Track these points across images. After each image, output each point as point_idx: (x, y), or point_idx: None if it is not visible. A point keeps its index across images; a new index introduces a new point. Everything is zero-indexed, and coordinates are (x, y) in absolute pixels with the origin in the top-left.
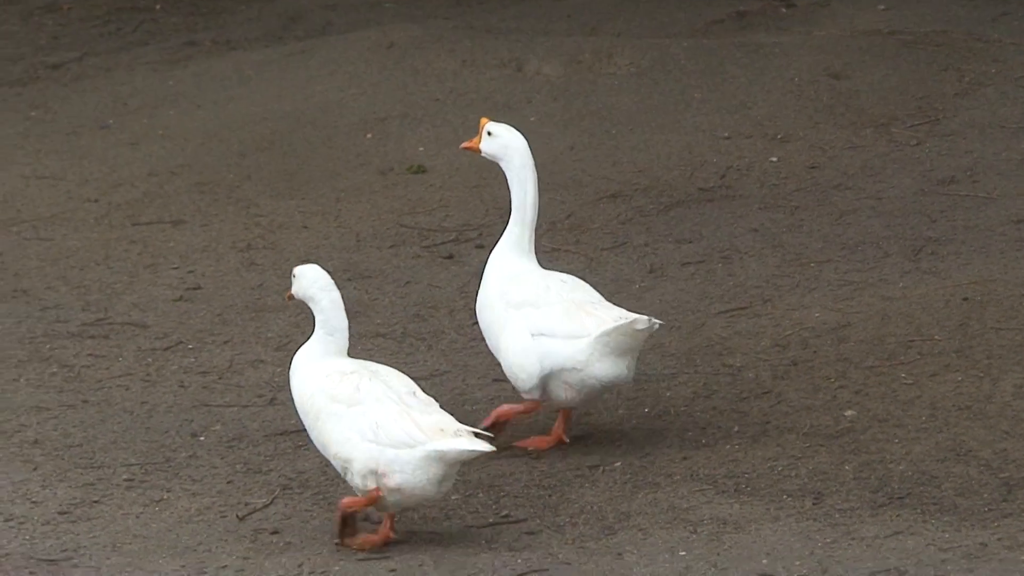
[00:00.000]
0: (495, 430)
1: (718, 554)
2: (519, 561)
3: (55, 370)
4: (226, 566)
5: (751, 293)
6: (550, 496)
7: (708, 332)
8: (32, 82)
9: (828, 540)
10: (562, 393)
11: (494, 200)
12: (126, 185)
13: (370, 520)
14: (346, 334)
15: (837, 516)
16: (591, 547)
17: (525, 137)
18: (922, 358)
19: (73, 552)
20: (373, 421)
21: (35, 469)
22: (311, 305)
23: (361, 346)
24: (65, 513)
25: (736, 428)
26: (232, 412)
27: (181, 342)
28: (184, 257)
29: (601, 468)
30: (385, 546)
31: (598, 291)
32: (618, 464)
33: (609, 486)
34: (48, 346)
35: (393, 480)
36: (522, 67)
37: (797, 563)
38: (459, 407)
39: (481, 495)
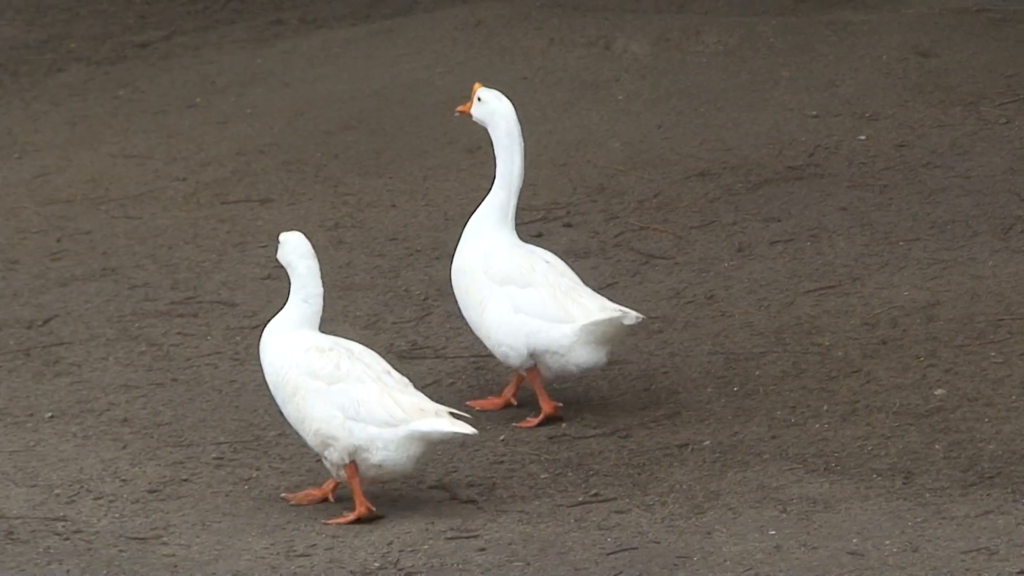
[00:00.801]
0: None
1: (808, 533)
2: (608, 540)
3: (144, 349)
4: (315, 544)
5: (840, 272)
6: (639, 475)
7: (797, 311)
8: (120, 61)
9: (918, 519)
10: (542, 370)
11: (582, 179)
12: (214, 164)
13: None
14: (320, 302)
15: (927, 495)
16: (680, 526)
17: (513, 104)
18: (1012, 337)
19: (162, 530)
20: (355, 399)
21: (124, 447)
22: (290, 271)
23: (449, 324)
24: (154, 491)
25: (825, 407)
26: None
27: (269, 320)
28: (272, 236)
29: (690, 447)
30: (323, 502)
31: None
32: (707, 443)
33: (698, 465)
34: (137, 325)
35: (375, 457)
36: (610, 45)
37: (887, 542)
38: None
39: (570, 474)
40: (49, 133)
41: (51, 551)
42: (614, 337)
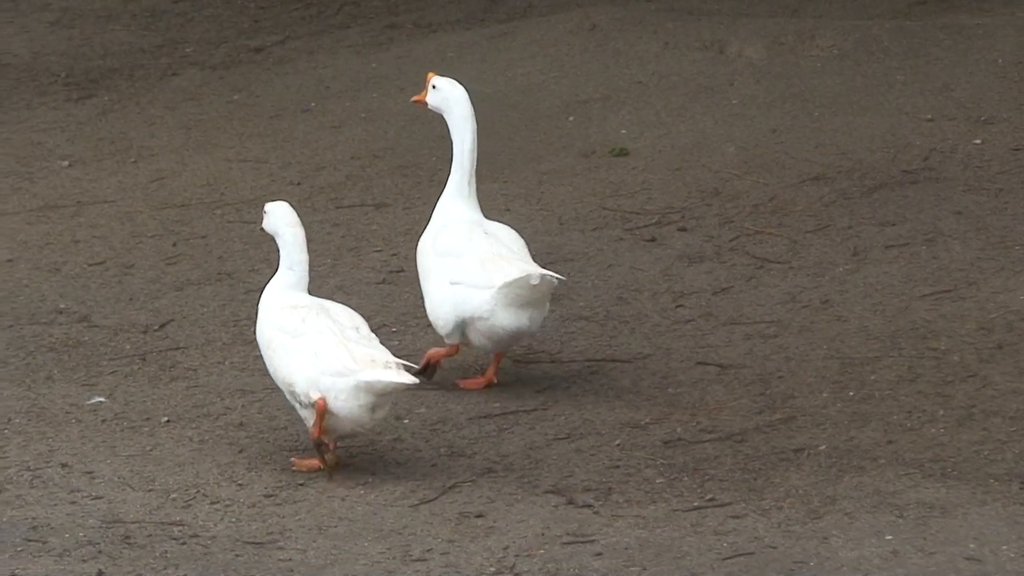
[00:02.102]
0: (428, 371)
1: (925, 538)
2: (724, 545)
3: (259, 353)
4: (431, 549)
5: (955, 276)
6: (755, 479)
7: (912, 315)
8: (235, 65)
9: None
10: (475, 339)
11: (696, 183)
12: (329, 168)
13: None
14: (305, 268)
15: None
16: (797, 531)
17: (467, 90)
18: None
19: (279, 535)
20: (312, 350)
21: (240, 452)
22: (277, 239)
23: (564, 329)
24: (271, 496)
25: (941, 412)
26: (435, 395)
27: (384, 325)
28: (387, 240)
29: (806, 452)
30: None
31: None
32: (823, 448)
33: (814, 470)
34: (252, 329)
35: (328, 405)
36: (724, 49)
37: (1004, 548)
38: (663, 390)
39: (686, 479)
40: (164, 138)
41: (167, 555)
42: (532, 299)
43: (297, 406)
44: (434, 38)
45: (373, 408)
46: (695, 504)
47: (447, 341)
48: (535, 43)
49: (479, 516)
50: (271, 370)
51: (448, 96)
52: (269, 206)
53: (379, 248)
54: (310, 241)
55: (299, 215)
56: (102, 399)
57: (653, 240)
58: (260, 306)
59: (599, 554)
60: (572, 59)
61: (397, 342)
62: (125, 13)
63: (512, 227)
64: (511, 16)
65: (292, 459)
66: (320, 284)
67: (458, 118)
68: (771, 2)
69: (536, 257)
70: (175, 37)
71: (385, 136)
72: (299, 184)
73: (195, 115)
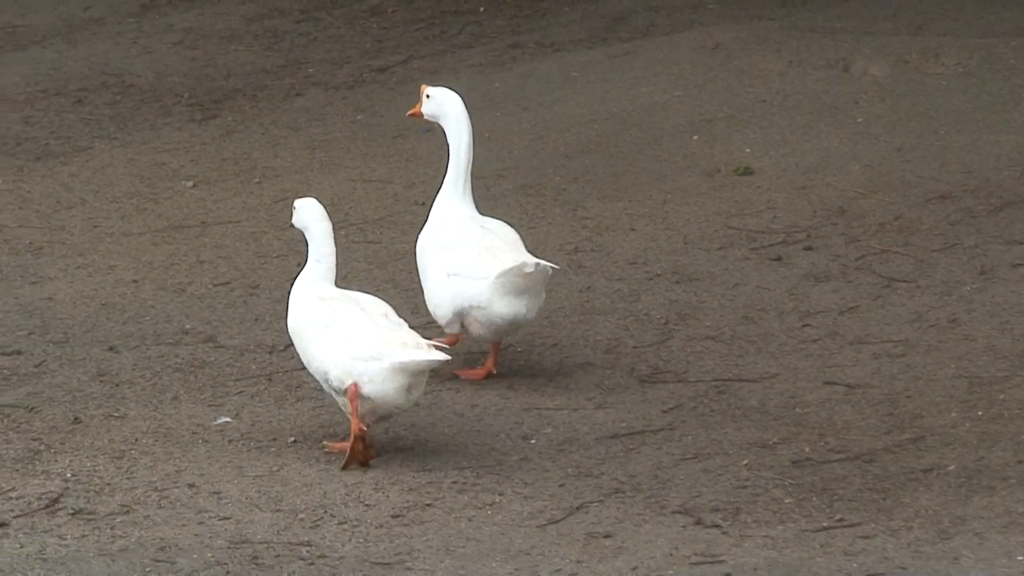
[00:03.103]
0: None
1: None
2: (854, 565)
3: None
4: (559, 570)
5: None
6: (884, 500)
7: None
8: (358, 85)
9: None
10: (474, 328)
11: (821, 202)
12: None
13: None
14: (332, 260)
15: None
16: (927, 551)
17: (463, 99)
18: None
19: (406, 555)
20: (345, 338)
21: (367, 472)
22: (306, 234)
23: (690, 348)
24: (398, 516)
25: None
26: (562, 415)
27: (510, 345)
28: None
29: (935, 471)
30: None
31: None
32: (952, 468)
33: (943, 490)
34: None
35: (364, 389)
36: (848, 67)
37: None
38: (790, 410)
39: (815, 499)
40: (288, 158)
41: None
42: (527, 287)
43: (333, 394)
44: (557, 57)
45: (409, 389)
46: (824, 524)
47: (446, 331)
48: (658, 62)
49: (607, 536)
50: (305, 361)
51: (443, 102)
52: (299, 202)
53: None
54: None
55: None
56: (228, 419)
57: (779, 259)
58: (291, 299)
59: (728, 574)
60: (695, 78)
61: (523, 361)
62: (248, 34)
63: (507, 222)
64: (634, 35)
65: (324, 442)
66: None
67: (453, 121)
68: (895, 20)
69: (661, 276)
70: (298, 57)
71: (509, 155)
72: (423, 204)
73: (319, 135)
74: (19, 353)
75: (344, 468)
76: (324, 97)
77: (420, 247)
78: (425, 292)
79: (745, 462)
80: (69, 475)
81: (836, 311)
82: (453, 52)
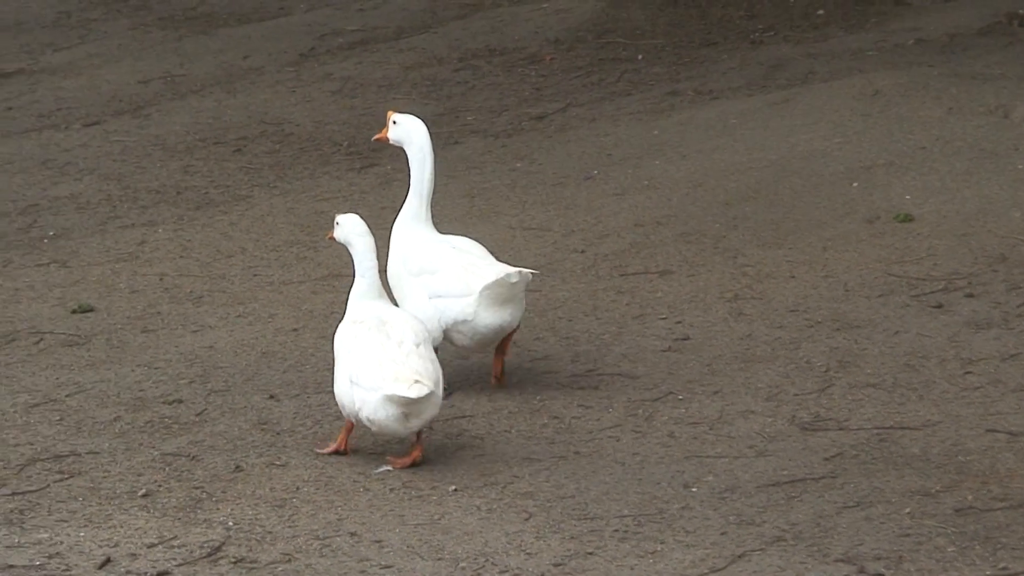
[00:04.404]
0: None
1: None
2: None
3: (546, 421)
4: None
5: None
6: None
7: None
8: (517, 133)
9: None
10: (459, 340)
11: (982, 248)
12: (612, 236)
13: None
14: (375, 273)
15: None
16: None
17: (426, 123)
18: None
19: None
20: (354, 366)
21: (528, 520)
22: (350, 249)
23: (851, 396)
24: (559, 565)
25: None
26: (723, 463)
27: (671, 393)
28: (672, 307)
29: None
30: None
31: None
32: None
33: None
34: (538, 397)
35: (363, 414)
36: (1009, 114)
37: None
38: (952, 458)
39: (978, 547)
40: (448, 206)
41: None
42: (510, 296)
43: (344, 412)
44: (715, 105)
45: (406, 417)
46: (987, 573)
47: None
48: (817, 109)
49: None
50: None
51: (408, 129)
52: (340, 217)
53: (664, 316)
54: (595, 309)
55: (584, 283)
56: (389, 468)
57: (940, 307)
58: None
59: None
60: (854, 125)
61: (684, 409)
62: (406, 82)
63: (472, 238)
64: (792, 82)
65: (388, 457)
66: (605, 352)
67: (416, 149)
68: None
69: (822, 324)
70: (457, 105)
71: (668, 203)
72: (583, 252)
73: (478, 183)
74: (180, 402)
75: (322, 452)
76: (483, 145)
77: (393, 275)
78: None
79: (907, 510)
80: (231, 523)
81: (998, 358)
82: (611, 100)
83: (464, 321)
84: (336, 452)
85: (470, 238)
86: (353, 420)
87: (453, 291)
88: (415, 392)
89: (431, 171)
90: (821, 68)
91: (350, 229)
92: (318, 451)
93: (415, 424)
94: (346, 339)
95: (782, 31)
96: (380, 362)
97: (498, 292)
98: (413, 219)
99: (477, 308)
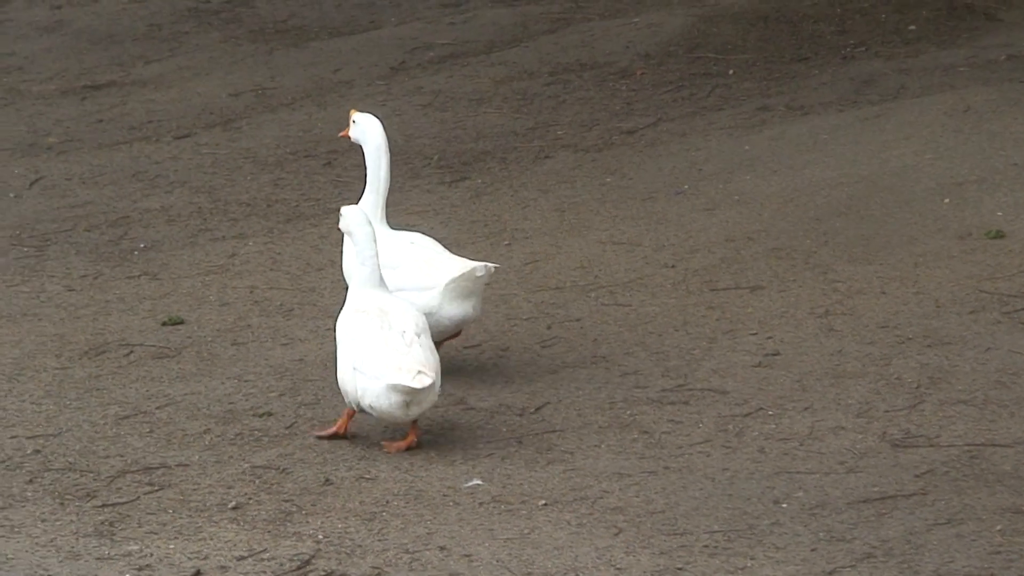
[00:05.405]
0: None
1: None
2: None
3: (636, 436)
4: None
5: None
6: None
7: None
8: (607, 148)
9: None
10: None
11: None
12: (703, 251)
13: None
14: (375, 263)
15: None
16: None
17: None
18: None
19: None
20: (358, 354)
21: (618, 535)
22: (352, 239)
23: (942, 412)
24: None
25: None
26: (814, 479)
27: (761, 408)
28: (762, 323)
29: None
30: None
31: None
32: None
33: None
34: (628, 412)
35: (365, 401)
36: None
37: None
38: None
39: None
40: (538, 220)
41: None
42: (473, 290)
43: (348, 403)
44: (806, 120)
45: (407, 405)
46: None
47: None
48: (908, 125)
49: None
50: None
51: (365, 128)
52: (344, 209)
53: (754, 331)
54: (685, 324)
55: (675, 298)
56: (479, 482)
57: None
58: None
59: None
60: (946, 141)
61: (774, 425)
62: (497, 96)
63: (427, 235)
64: (884, 98)
65: (383, 442)
66: (695, 367)
67: (373, 148)
68: None
69: (913, 340)
70: (547, 120)
71: (759, 218)
72: (673, 267)
73: (568, 197)
74: (270, 414)
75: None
76: (573, 159)
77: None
78: None
79: (999, 528)
80: (321, 536)
81: None
82: (702, 114)
83: (429, 314)
84: (335, 436)
85: (421, 232)
86: (354, 407)
87: (415, 284)
88: (419, 382)
89: (387, 169)
90: (913, 84)
91: (351, 220)
92: (318, 435)
93: (415, 412)
94: (349, 327)
95: (873, 46)
96: (384, 351)
97: (463, 286)
98: (370, 216)
99: (441, 301)
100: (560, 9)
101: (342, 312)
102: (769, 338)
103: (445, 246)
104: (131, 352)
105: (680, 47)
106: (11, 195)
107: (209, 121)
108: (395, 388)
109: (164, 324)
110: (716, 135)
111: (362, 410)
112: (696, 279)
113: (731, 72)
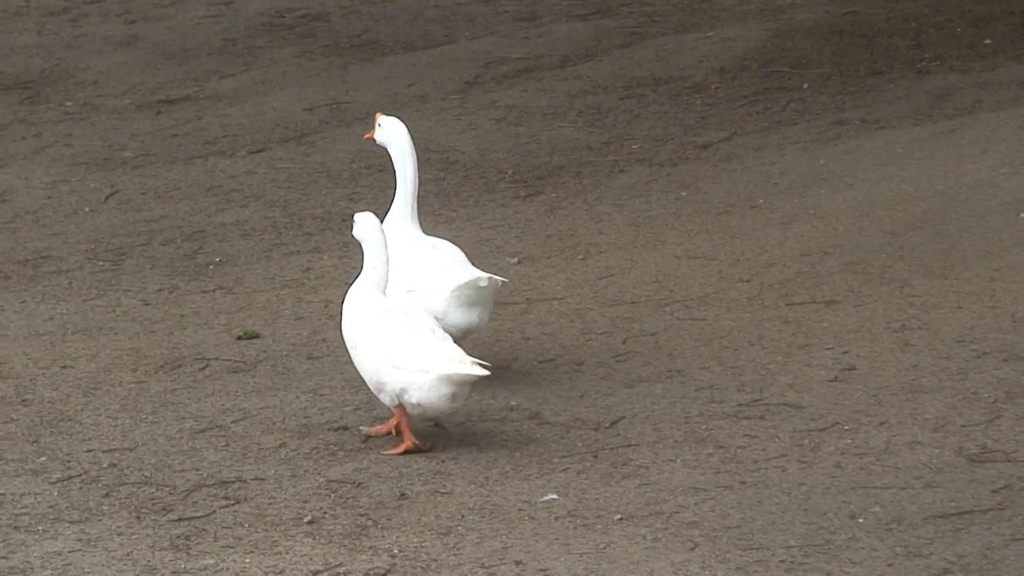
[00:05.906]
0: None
1: None
2: None
3: (711, 451)
4: None
5: None
6: None
7: None
8: (682, 162)
9: None
10: None
11: None
12: (778, 265)
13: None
14: (385, 268)
15: None
16: None
17: (407, 126)
18: None
19: None
20: (399, 351)
21: (693, 550)
22: (363, 244)
23: (1020, 427)
24: None
25: None
26: (890, 494)
27: (837, 423)
28: (838, 337)
29: None
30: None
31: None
32: None
33: None
34: (704, 427)
35: (414, 397)
36: None
37: None
38: None
39: None
40: (612, 234)
41: None
42: (479, 300)
43: (386, 401)
44: (882, 134)
45: (453, 397)
46: None
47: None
48: (984, 139)
49: None
50: (360, 369)
51: (390, 131)
52: (358, 216)
53: (830, 346)
54: (760, 338)
55: (750, 313)
56: (555, 496)
57: None
58: (345, 308)
59: None
60: (1022, 155)
61: (850, 440)
62: (571, 110)
63: (453, 243)
64: (959, 112)
65: (363, 428)
66: (771, 382)
67: (399, 151)
68: None
69: (989, 355)
70: (621, 134)
71: (835, 232)
72: (748, 281)
73: (643, 211)
74: (346, 429)
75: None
76: (648, 173)
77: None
78: None
79: None
80: (396, 551)
81: None
82: (777, 129)
83: (436, 318)
84: (411, 450)
85: (450, 241)
86: (391, 406)
87: (426, 287)
88: (477, 370)
89: (414, 172)
90: (988, 98)
91: (364, 226)
92: (386, 452)
93: (458, 404)
94: (376, 327)
95: (949, 60)
96: (427, 346)
97: (468, 294)
98: (400, 219)
99: (447, 307)
100: (634, 23)
101: (355, 316)
102: (845, 352)
103: (520, 260)
104: (206, 366)
105: (754, 61)
106: (87, 209)
107: (284, 135)
108: (449, 379)
109: (239, 338)
110: (791, 149)
111: (398, 406)
112: (771, 293)
113: (806, 86)
